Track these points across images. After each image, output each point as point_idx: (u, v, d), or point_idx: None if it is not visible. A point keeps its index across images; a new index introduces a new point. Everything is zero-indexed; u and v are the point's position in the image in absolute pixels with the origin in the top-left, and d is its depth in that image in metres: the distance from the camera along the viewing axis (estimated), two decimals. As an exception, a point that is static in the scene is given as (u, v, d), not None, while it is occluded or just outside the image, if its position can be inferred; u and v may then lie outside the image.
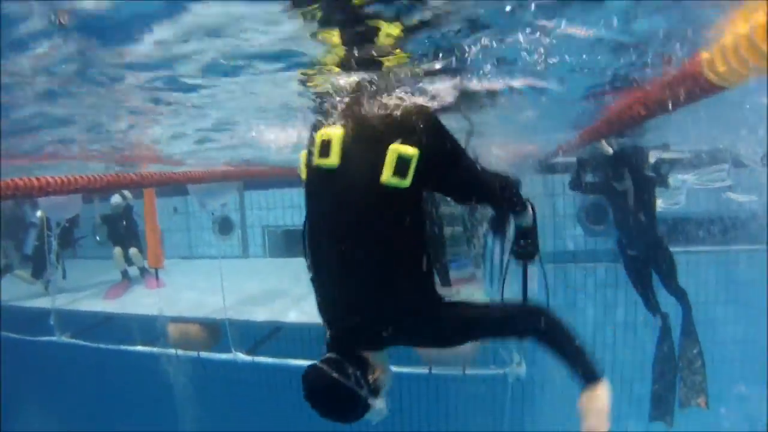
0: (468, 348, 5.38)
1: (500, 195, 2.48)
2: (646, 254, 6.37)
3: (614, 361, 8.33)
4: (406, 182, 1.97)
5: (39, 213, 8.09)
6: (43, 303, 7.16)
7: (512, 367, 5.27)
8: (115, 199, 8.13)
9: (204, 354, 6.15)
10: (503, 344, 5.39)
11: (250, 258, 9.53)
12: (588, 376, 2.09)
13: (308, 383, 2.07)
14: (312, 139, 2.13)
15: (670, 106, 2.46)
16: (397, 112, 2.08)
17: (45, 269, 7.99)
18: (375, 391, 2.11)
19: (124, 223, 8.13)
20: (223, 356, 5.97)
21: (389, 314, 2.11)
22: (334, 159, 2.00)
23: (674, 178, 7.05)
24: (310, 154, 2.12)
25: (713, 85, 1.97)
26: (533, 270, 2.77)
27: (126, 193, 8.19)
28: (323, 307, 2.24)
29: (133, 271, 8.08)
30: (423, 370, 5.38)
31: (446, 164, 2.16)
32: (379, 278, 2.07)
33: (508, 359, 5.33)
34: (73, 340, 6.80)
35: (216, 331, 6.23)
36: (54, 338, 6.83)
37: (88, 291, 7.84)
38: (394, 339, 2.19)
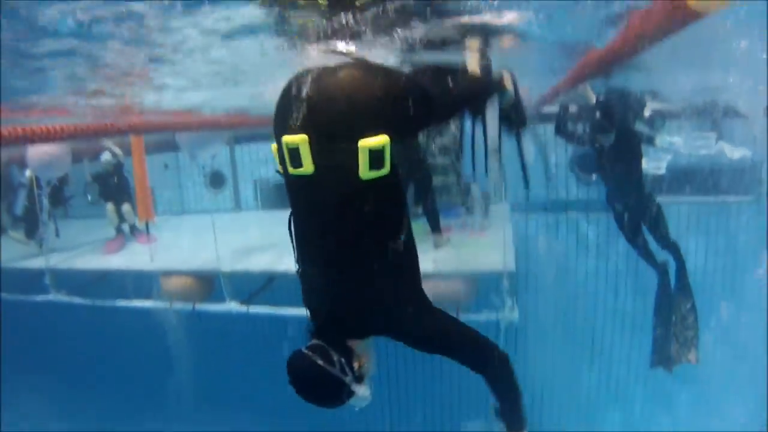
0: (461, 293, 5.46)
1: (477, 101, 2.52)
2: (633, 208, 6.35)
3: (615, 309, 8.47)
4: (385, 170, 1.97)
5: (27, 172, 7.98)
6: (37, 263, 7.12)
7: (504, 313, 5.34)
8: (105, 156, 8.03)
9: (199, 306, 6.20)
10: (496, 288, 5.44)
11: (242, 211, 9.52)
12: (515, 424, 2.43)
13: (294, 370, 2.12)
14: (279, 145, 2.05)
15: (653, 38, 2.43)
16: (359, 100, 1.96)
17: (37, 229, 7.95)
18: (359, 378, 2.18)
19: (116, 179, 8.05)
20: (218, 307, 6.03)
21: (373, 303, 2.16)
22: (308, 167, 1.96)
23: (662, 139, 6.96)
24: (282, 160, 2.06)
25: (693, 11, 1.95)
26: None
27: (116, 150, 8.09)
28: (309, 297, 2.27)
29: (127, 227, 8.05)
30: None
31: (420, 117, 2.17)
32: (363, 266, 2.11)
33: (500, 304, 5.38)
34: (68, 298, 6.81)
35: (209, 283, 6.25)
36: (50, 297, 6.84)
37: (82, 249, 7.81)
38: (376, 329, 2.26)
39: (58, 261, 7.12)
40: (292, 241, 2.23)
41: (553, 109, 7.03)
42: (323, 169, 1.96)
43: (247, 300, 5.90)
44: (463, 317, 5.40)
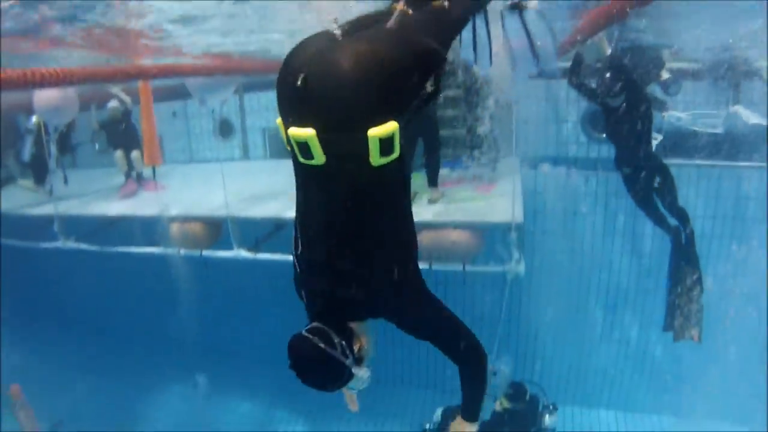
0: (468, 244, 5.47)
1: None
2: (642, 173, 6.24)
3: (619, 270, 8.49)
4: (395, 154, 1.93)
5: (34, 119, 7.95)
6: (46, 210, 7.16)
7: (511, 265, 5.35)
8: (113, 103, 7.97)
9: (206, 252, 6.25)
10: (503, 241, 5.44)
11: (251, 160, 9.48)
12: (472, 414, 2.60)
13: (295, 352, 2.09)
14: (286, 132, 1.98)
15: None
16: (365, 88, 1.86)
17: (46, 175, 7.96)
18: (359, 360, 2.16)
19: (123, 127, 8.02)
20: (226, 254, 6.07)
21: (377, 285, 2.13)
22: (319, 159, 1.90)
23: (669, 115, 6.84)
24: (290, 146, 2.00)
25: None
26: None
27: (123, 97, 8.04)
28: (309, 280, 2.22)
29: (135, 175, 8.05)
30: (424, 266, 5.46)
31: (429, 76, 2.10)
32: (370, 247, 2.08)
33: (507, 257, 5.39)
34: (77, 245, 6.86)
35: (218, 230, 6.28)
36: (58, 244, 6.89)
37: (90, 196, 7.84)
38: (377, 311, 2.24)
39: (67, 208, 7.14)
40: (295, 226, 2.21)
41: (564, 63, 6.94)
42: (334, 159, 1.91)
43: (255, 247, 5.94)
44: (470, 269, 5.48)
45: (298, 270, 2.24)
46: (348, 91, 1.83)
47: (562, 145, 8.01)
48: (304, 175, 2.08)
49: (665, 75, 6.73)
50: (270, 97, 9.13)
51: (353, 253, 2.08)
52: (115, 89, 8.06)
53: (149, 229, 6.59)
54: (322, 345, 2.05)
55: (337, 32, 2.01)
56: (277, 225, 6.00)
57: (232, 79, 6.42)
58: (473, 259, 5.55)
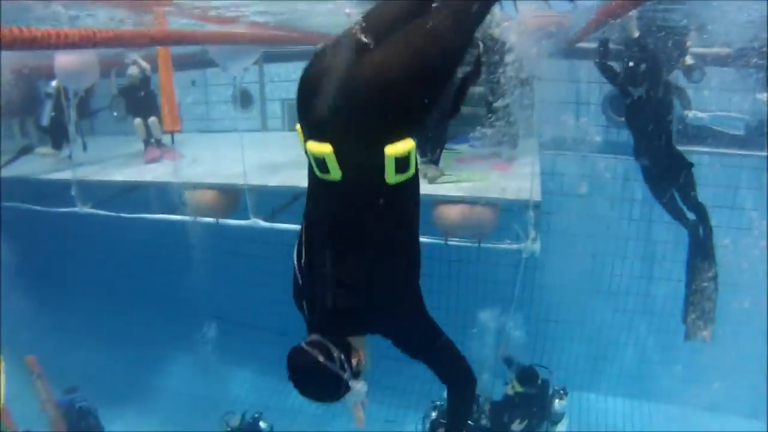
0: (485, 220, 5.44)
1: None
2: (660, 166, 6.18)
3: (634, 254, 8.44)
4: (411, 172, 1.95)
5: (54, 83, 7.95)
6: (64, 175, 7.18)
7: (527, 243, 5.33)
8: (132, 70, 7.97)
9: (222, 221, 6.27)
10: (519, 220, 5.42)
11: (269, 131, 9.47)
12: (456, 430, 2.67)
13: (294, 365, 2.11)
14: (304, 134, 1.99)
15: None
16: (386, 104, 1.83)
17: (64, 139, 7.98)
18: (357, 374, 2.17)
19: (142, 93, 8.02)
20: (242, 223, 6.09)
21: (381, 301, 2.14)
22: (335, 175, 1.90)
23: (694, 115, 6.85)
24: (308, 161, 2.00)
25: None
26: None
27: (143, 63, 8.03)
28: (311, 292, 2.22)
29: (154, 141, 8.06)
30: (439, 241, 5.48)
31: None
32: (378, 263, 2.09)
33: (523, 235, 5.36)
34: (94, 210, 6.89)
35: (235, 198, 6.29)
36: (76, 209, 6.92)
37: (109, 163, 7.88)
38: (377, 326, 2.27)
39: (85, 174, 7.17)
40: (300, 235, 2.21)
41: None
42: (350, 175, 1.92)
43: (271, 216, 5.95)
44: (485, 245, 5.46)
45: (300, 280, 2.25)
46: (366, 109, 1.83)
47: (582, 127, 7.93)
48: (318, 187, 2.08)
49: (689, 61, 6.61)
50: (290, 68, 9.13)
51: (358, 267, 2.09)
52: (134, 56, 8.06)
53: (166, 196, 6.62)
54: (320, 358, 2.06)
55: (361, 37, 1.90)
56: (294, 195, 5.99)
57: (256, 47, 6.37)
58: (488, 235, 5.54)
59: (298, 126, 2.04)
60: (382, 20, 1.98)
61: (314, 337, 2.15)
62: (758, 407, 7.27)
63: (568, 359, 8.84)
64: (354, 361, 2.16)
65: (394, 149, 1.84)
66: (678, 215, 6.36)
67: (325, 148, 1.85)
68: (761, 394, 7.03)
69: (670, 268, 7.91)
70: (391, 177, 1.90)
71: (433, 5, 1.92)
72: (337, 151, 1.85)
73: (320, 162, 1.90)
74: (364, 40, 1.89)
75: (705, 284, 6.24)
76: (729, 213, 7.81)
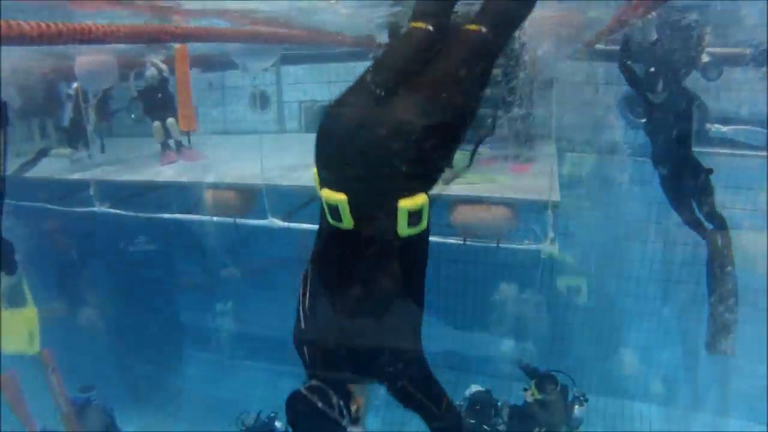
0: (504, 220, 5.42)
1: None
2: (678, 173, 6.09)
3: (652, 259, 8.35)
4: (423, 226, 1.97)
5: (74, 84, 8.05)
6: (82, 175, 7.26)
7: (545, 244, 5.32)
8: (151, 71, 8.03)
9: (240, 220, 6.30)
10: (538, 220, 5.40)
11: (286, 133, 9.49)
12: None
13: (293, 410, 2.13)
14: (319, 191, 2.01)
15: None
16: (401, 158, 1.88)
17: (82, 139, 8.06)
18: (355, 420, 2.17)
19: (160, 95, 8.08)
20: (259, 222, 6.11)
21: (384, 350, 2.15)
22: (348, 224, 1.94)
23: (716, 129, 6.76)
24: (321, 207, 2.03)
25: None
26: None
27: (161, 65, 8.08)
28: (312, 338, 2.22)
29: (173, 143, 8.12)
30: (458, 241, 5.47)
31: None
32: (384, 313, 2.10)
33: (541, 235, 5.35)
34: (112, 210, 6.95)
35: (252, 198, 6.32)
36: (94, 209, 6.99)
37: (127, 163, 7.94)
38: (378, 374, 2.24)
39: (103, 174, 7.23)
40: (305, 279, 2.21)
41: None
42: (362, 225, 1.95)
43: (288, 216, 5.97)
44: (504, 245, 5.44)
45: (303, 325, 2.23)
46: (382, 162, 1.87)
47: (600, 128, 7.88)
48: (329, 235, 2.10)
49: (705, 58, 6.55)
50: (306, 70, 9.16)
51: (363, 315, 2.10)
52: (153, 57, 8.12)
53: (184, 195, 6.66)
54: (320, 404, 2.07)
55: (377, 90, 1.95)
56: (312, 196, 6.01)
57: (275, 46, 6.40)
58: (508, 235, 5.52)
59: (314, 170, 2.07)
60: (391, 69, 2.04)
61: (314, 382, 2.15)
62: (758, 408, 7.17)
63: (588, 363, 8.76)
64: (353, 408, 2.17)
65: (407, 203, 1.88)
66: (695, 225, 6.25)
67: (339, 197, 1.89)
68: (761, 395, 6.95)
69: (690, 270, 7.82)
70: (404, 230, 1.92)
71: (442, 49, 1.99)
72: (351, 201, 1.89)
73: (333, 209, 1.93)
74: (377, 92, 1.94)
75: (725, 296, 6.13)
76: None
